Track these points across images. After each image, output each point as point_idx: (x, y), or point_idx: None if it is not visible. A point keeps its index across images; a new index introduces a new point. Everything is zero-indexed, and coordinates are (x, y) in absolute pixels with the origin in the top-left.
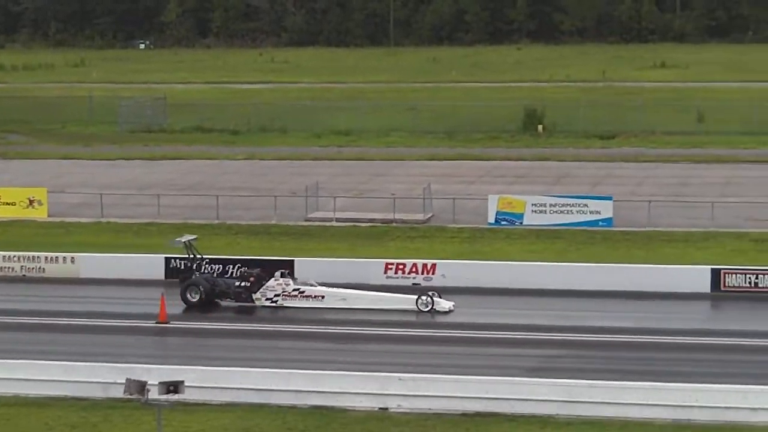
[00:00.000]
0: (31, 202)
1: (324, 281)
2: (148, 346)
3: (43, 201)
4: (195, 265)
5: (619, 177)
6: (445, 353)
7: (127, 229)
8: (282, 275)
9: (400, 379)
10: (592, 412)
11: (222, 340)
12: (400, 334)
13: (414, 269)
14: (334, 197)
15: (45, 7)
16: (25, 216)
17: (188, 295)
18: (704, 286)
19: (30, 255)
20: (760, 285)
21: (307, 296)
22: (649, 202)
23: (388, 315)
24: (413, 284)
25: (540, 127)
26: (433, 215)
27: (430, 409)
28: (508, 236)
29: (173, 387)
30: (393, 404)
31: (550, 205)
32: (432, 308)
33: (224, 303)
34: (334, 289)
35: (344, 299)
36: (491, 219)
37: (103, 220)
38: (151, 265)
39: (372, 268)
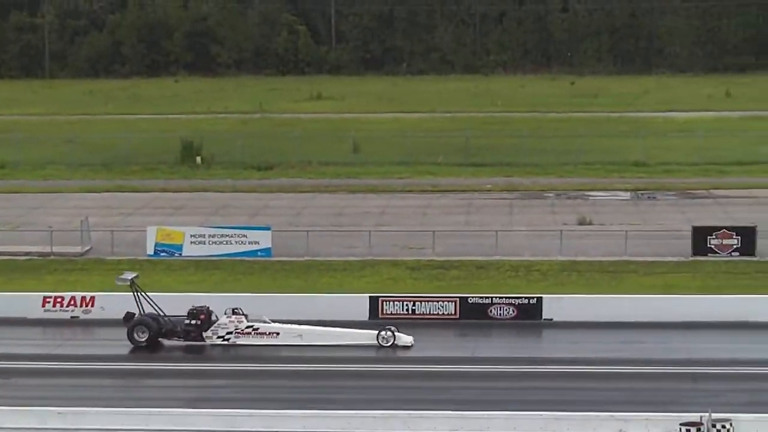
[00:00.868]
0: None
1: None
2: None
3: None
4: (139, 304)
5: (278, 207)
6: None
7: None
8: (234, 312)
9: None
10: None
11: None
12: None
13: (72, 302)
14: None
15: None
16: None
17: (136, 335)
18: (363, 313)
19: None
20: (416, 312)
21: (261, 333)
22: (307, 231)
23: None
24: (71, 317)
25: (198, 158)
26: (91, 248)
27: None
28: (167, 267)
29: None
30: None
31: (209, 236)
32: (393, 343)
33: (170, 342)
34: (290, 326)
35: (300, 335)
36: (150, 251)
37: None
38: None
39: (29, 301)
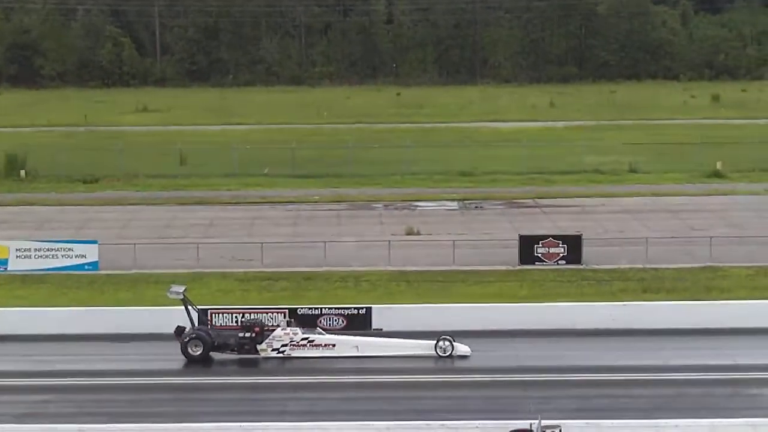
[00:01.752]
0: None
1: None
2: None
3: None
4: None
5: (104, 220)
6: None
7: None
8: (288, 324)
9: None
10: None
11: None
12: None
13: None
14: None
15: None
16: None
17: (190, 349)
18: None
19: None
20: None
21: (316, 345)
22: (135, 244)
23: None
24: None
25: (22, 172)
26: None
27: None
28: None
29: None
30: None
31: (35, 250)
32: (452, 353)
33: (223, 356)
34: (346, 337)
35: (356, 347)
36: None
37: None
38: None
39: None
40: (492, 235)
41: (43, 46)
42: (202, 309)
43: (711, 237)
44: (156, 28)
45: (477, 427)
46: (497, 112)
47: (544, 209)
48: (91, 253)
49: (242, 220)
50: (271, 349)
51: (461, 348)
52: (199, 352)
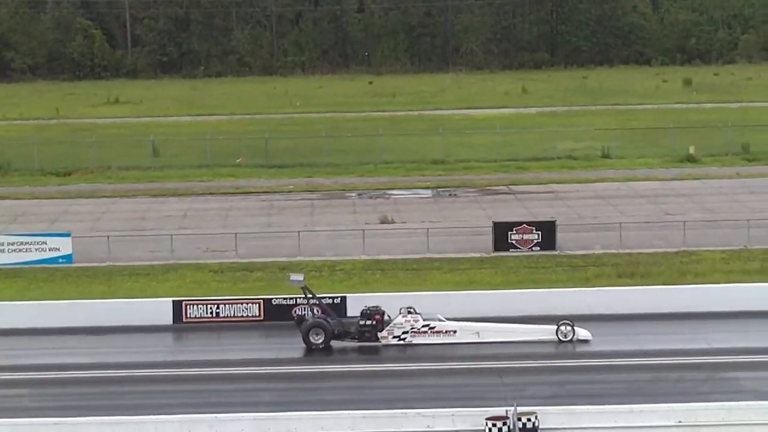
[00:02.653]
0: None
1: None
2: None
3: None
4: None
5: (77, 213)
6: None
7: None
8: (409, 311)
9: None
10: None
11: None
12: None
13: None
14: None
15: None
16: None
17: (311, 338)
18: (166, 318)
19: None
20: (221, 315)
21: (437, 332)
22: (108, 237)
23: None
24: None
25: None
26: None
27: None
28: None
29: None
30: None
31: (9, 244)
32: (573, 338)
33: (344, 343)
34: (467, 323)
35: (477, 333)
36: None
37: None
38: None
39: None
40: (466, 222)
41: (13, 40)
42: (176, 301)
43: (685, 221)
44: (126, 20)
45: (453, 414)
46: (469, 100)
47: (517, 196)
48: (65, 246)
49: (216, 211)
50: (392, 336)
51: (582, 332)
52: (320, 341)
